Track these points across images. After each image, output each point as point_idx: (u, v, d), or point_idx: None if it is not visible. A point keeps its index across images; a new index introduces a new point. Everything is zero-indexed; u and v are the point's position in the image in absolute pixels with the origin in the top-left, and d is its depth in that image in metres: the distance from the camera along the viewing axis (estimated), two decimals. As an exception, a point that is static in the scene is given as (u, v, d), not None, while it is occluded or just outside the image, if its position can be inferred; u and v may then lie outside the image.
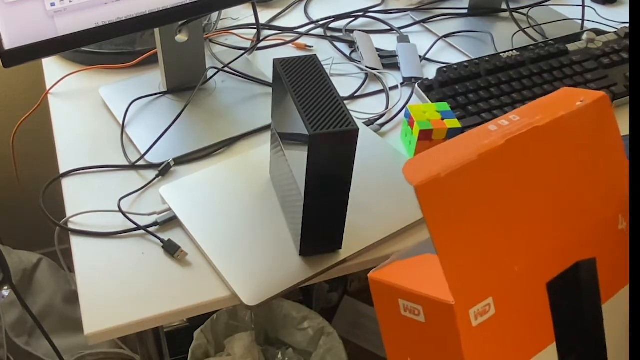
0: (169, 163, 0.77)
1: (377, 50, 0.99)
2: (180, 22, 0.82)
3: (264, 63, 0.96)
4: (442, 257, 0.44)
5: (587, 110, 0.53)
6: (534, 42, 0.98)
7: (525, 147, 0.49)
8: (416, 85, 0.90)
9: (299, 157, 0.60)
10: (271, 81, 0.83)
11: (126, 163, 0.78)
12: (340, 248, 0.67)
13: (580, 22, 1.04)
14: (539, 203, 0.49)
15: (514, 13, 1.09)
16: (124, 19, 0.73)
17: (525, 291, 0.48)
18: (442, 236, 0.44)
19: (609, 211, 0.53)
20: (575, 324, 0.52)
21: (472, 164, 0.45)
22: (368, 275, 0.51)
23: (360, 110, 0.88)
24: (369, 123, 0.85)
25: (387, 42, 1.02)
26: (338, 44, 1.02)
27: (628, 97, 0.84)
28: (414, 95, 0.90)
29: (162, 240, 0.68)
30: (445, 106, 0.80)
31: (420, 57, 0.98)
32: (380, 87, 0.93)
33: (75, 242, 0.69)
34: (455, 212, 0.45)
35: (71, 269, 0.69)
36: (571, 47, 0.94)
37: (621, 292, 0.55)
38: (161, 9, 0.75)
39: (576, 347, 0.51)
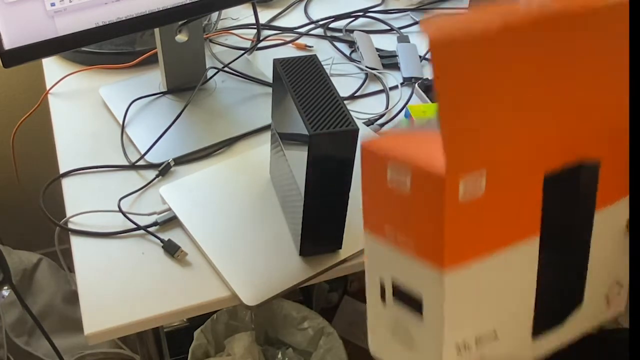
0: (169, 163, 0.77)
1: (377, 50, 0.99)
2: (180, 22, 0.82)
3: (264, 63, 0.96)
4: (443, 117, 0.41)
5: (623, 7, 0.49)
6: (534, 42, 0.98)
7: (556, 29, 0.45)
8: (416, 85, 0.90)
9: (299, 157, 0.60)
10: (271, 81, 0.83)
11: (126, 163, 0.78)
12: (340, 248, 0.67)
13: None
14: (556, 90, 0.47)
15: (514, 13, 1.09)
16: (124, 19, 0.73)
17: (521, 175, 0.45)
18: (447, 95, 0.41)
19: (623, 116, 0.50)
20: (563, 224, 0.50)
21: (496, 33, 0.42)
22: (361, 143, 0.49)
23: (360, 110, 0.88)
24: (369, 123, 0.85)
25: (387, 42, 1.02)
26: (338, 44, 1.02)
27: (628, 97, 0.84)
28: (414, 95, 0.90)
29: (162, 240, 0.68)
30: (445, 106, 0.80)
31: (420, 57, 0.98)
32: (380, 87, 0.93)
33: (75, 242, 0.69)
34: (467, 76, 0.42)
35: (71, 269, 0.69)
36: (571, 47, 0.94)
37: (619, 203, 0.52)
38: (161, 9, 0.75)
39: (559, 248, 0.50)
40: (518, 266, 0.47)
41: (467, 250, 0.44)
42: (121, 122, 0.83)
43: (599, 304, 0.54)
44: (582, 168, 0.49)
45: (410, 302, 0.47)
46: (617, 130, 0.50)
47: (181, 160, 0.79)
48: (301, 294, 1.32)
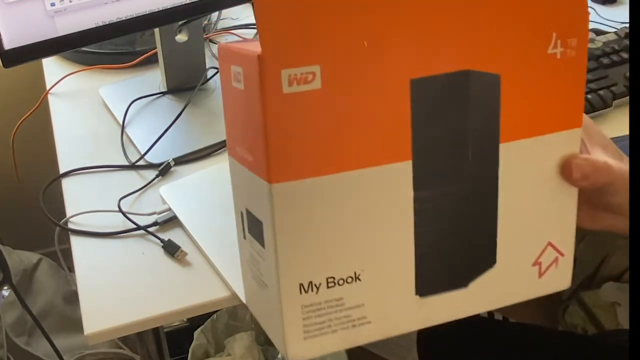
0: (169, 163, 0.77)
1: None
2: (180, 22, 0.82)
3: (264, 63, 0.96)
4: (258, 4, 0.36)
5: None
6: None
7: None
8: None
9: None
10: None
11: (126, 163, 0.78)
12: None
13: (580, 22, 1.03)
14: None
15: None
16: (124, 19, 0.73)
17: (375, 77, 0.38)
18: None
19: (538, 25, 0.41)
20: (448, 150, 0.41)
21: None
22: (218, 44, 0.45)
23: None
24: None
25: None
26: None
27: (628, 97, 0.84)
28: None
29: (162, 240, 0.68)
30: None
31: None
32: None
33: (75, 242, 0.69)
34: None
35: (71, 269, 0.69)
36: (571, 47, 0.93)
37: (543, 138, 0.43)
38: (161, 9, 0.75)
39: (445, 183, 0.42)
40: (380, 198, 0.41)
41: (302, 159, 0.38)
42: (121, 122, 0.83)
43: (525, 271, 0.46)
44: (470, 74, 0.41)
45: (257, 231, 0.43)
46: (526, 40, 0.41)
47: (181, 160, 0.79)
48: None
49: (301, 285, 0.41)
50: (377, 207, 0.41)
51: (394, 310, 0.43)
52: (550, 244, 0.46)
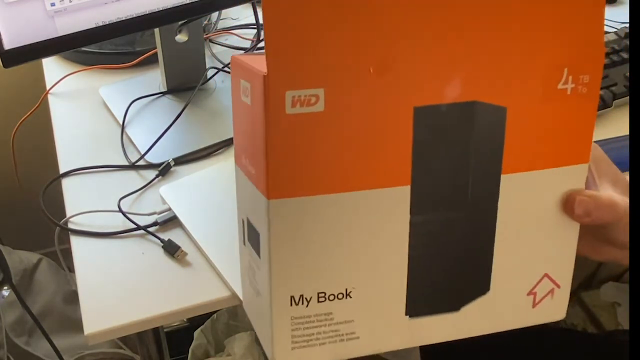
0: (169, 163, 0.77)
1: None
2: (180, 22, 0.82)
3: (264, 63, 0.96)
4: (267, 18, 0.36)
5: None
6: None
7: None
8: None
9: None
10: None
11: (126, 163, 0.78)
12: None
13: (580, 22, 1.03)
14: (451, 6, 0.39)
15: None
16: (124, 19, 0.73)
17: (378, 103, 0.39)
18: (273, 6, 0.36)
19: (550, 59, 0.41)
20: (448, 177, 0.41)
21: None
22: (231, 56, 0.45)
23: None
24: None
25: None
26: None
27: (628, 97, 0.84)
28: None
29: (162, 240, 0.68)
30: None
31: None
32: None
33: (75, 242, 0.69)
34: None
35: (71, 269, 0.69)
36: (571, 47, 0.93)
37: (544, 172, 0.43)
38: (161, 9, 0.75)
39: (442, 209, 0.42)
40: (376, 220, 0.41)
41: (301, 178, 0.39)
42: (121, 122, 0.83)
43: (519, 300, 0.46)
44: (476, 105, 0.40)
45: (255, 241, 0.43)
46: (536, 73, 0.41)
47: (181, 160, 0.79)
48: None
49: (292, 297, 0.42)
50: (372, 228, 0.41)
51: (383, 328, 0.44)
52: (546, 275, 0.46)
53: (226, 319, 1.16)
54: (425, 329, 0.45)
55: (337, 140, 0.39)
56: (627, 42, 0.92)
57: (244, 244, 0.47)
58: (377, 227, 0.41)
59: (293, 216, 0.40)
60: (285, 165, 0.39)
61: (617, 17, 1.07)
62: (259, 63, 0.39)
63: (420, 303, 0.44)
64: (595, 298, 1.31)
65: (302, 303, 0.42)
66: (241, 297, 0.62)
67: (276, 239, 0.40)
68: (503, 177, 0.43)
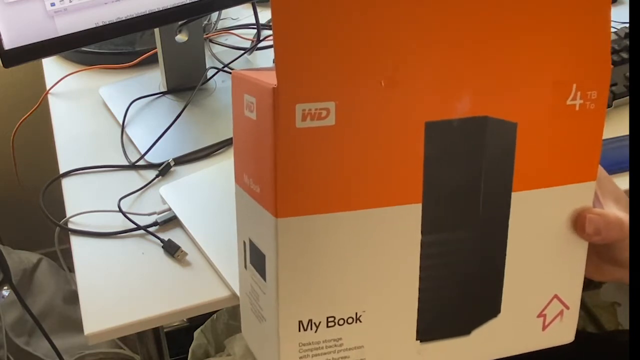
0: (169, 163, 0.77)
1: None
2: (180, 22, 0.82)
3: (263, 63, 0.96)
4: (277, 31, 0.35)
5: None
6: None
7: None
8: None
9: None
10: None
11: (126, 163, 0.78)
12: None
13: (580, 22, 1.03)
14: (463, 21, 0.38)
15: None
16: (124, 19, 0.73)
17: (389, 117, 0.38)
18: (282, 17, 0.35)
19: (559, 75, 0.41)
20: (459, 196, 0.41)
21: None
22: (232, 71, 0.44)
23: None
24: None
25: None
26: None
27: (628, 97, 0.84)
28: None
29: (162, 240, 0.68)
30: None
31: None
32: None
33: (75, 242, 0.69)
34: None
35: (71, 269, 0.69)
36: (571, 47, 0.93)
37: (555, 190, 0.42)
38: (161, 9, 0.75)
39: (455, 229, 0.41)
40: (387, 240, 0.40)
41: (310, 195, 0.38)
42: (121, 122, 0.83)
43: (529, 323, 0.45)
44: (487, 121, 0.40)
45: (259, 264, 0.42)
46: (545, 90, 0.41)
47: (181, 160, 0.79)
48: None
49: (300, 322, 0.40)
50: (383, 249, 0.40)
51: (393, 353, 0.43)
52: (556, 296, 0.45)
53: (226, 319, 1.15)
54: (435, 355, 0.43)
55: (348, 155, 0.38)
56: (627, 42, 0.92)
57: (246, 267, 0.45)
58: (388, 247, 0.40)
59: (302, 236, 0.38)
60: (294, 182, 0.37)
61: (617, 17, 1.07)
62: (264, 77, 0.38)
63: (431, 327, 0.43)
64: (595, 298, 1.31)
65: (311, 328, 0.40)
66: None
67: (284, 260, 0.39)
68: (514, 195, 0.42)
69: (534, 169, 0.42)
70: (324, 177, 0.38)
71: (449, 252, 0.42)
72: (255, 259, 0.42)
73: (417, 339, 0.43)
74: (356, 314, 0.41)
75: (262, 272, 0.41)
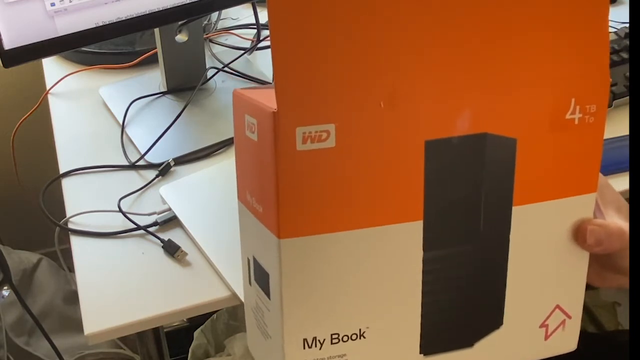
0: (169, 163, 0.77)
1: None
2: (180, 22, 0.82)
3: (264, 63, 0.96)
4: (276, 54, 0.35)
5: None
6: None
7: None
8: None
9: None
10: (271, 81, 0.83)
11: (126, 163, 0.78)
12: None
13: (580, 22, 1.03)
14: (460, 40, 0.38)
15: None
16: (124, 19, 0.73)
17: (389, 138, 0.38)
18: (282, 24, 0.35)
19: (557, 90, 0.41)
20: (460, 210, 0.41)
21: None
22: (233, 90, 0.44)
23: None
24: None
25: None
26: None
27: (628, 97, 0.84)
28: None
29: (162, 240, 0.68)
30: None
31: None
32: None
33: (75, 242, 0.69)
34: (306, 17, 0.35)
35: (71, 269, 0.69)
36: (571, 47, 0.93)
37: (554, 203, 0.43)
38: (161, 9, 0.75)
39: (456, 244, 0.42)
40: (389, 257, 0.40)
41: (312, 216, 0.38)
42: (121, 122, 0.83)
43: (531, 333, 0.45)
44: (487, 137, 0.40)
45: (263, 281, 0.42)
46: (544, 105, 0.41)
47: (181, 160, 0.79)
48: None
49: (305, 340, 0.41)
50: (385, 266, 0.41)
51: None
52: (558, 306, 0.46)
53: (226, 319, 1.15)
54: None
55: (349, 176, 0.38)
56: (627, 42, 0.92)
57: (250, 284, 0.45)
58: (390, 264, 0.41)
59: (305, 255, 0.39)
60: (296, 204, 0.38)
61: (617, 17, 1.07)
62: (265, 98, 0.39)
63: (434, 340, 0.43)
64: (595, 298, 1.31)
65: (316, 345, 0.41)
66: (241, 297, 0.62)
67: (288, 279, 0.39)
68: (514, 209, 0.42)
69: (534, 183, 0.42)
70: (325, 197, 0.38)
71: (450, 267, 0.42)
72: (259, 276, 0.43)
73: (420, 353, 0.43)
74: (360, 330, 0.41)
75: (266, 290, 0.42)
